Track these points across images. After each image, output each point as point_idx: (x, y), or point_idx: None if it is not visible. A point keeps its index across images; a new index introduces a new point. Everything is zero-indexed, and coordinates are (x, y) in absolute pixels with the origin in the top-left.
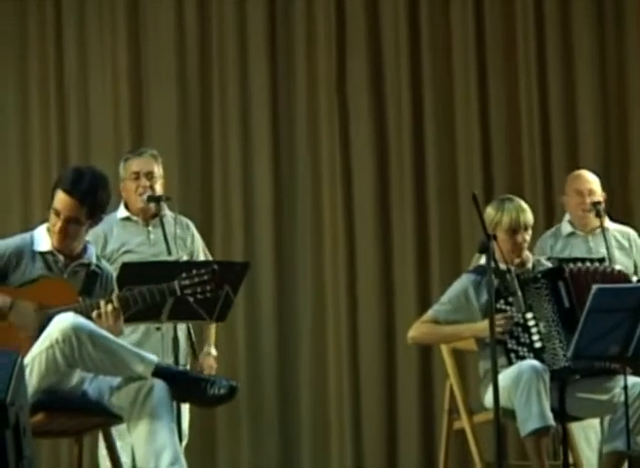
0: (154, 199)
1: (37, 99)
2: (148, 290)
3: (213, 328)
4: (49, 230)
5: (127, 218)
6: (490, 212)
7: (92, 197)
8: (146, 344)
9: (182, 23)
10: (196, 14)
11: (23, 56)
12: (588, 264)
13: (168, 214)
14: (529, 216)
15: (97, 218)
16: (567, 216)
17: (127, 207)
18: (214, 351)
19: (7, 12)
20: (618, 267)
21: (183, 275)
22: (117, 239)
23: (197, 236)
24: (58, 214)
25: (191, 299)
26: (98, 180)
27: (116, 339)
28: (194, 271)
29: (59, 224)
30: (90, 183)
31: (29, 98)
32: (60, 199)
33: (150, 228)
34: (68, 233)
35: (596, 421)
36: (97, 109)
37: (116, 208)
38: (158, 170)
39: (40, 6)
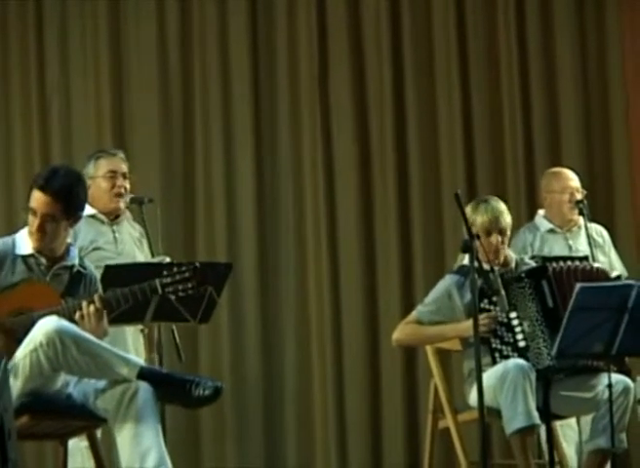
0: (137, 200)
1: (19, 105)
2: (130, 290)
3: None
4: (31, 235)
5: (93, 216)
6: (468, 211)
7: (66, 192)
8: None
9: (164, 25)
10: (178, 16)
11: (5, 62)
12: (570, 263)
13: (128, 216)
14: (504, 219)
15: (75, 216)
16: (541, 212)
17: (91, 205)
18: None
19: None
20: (596, 265)
21: (164, 273)
22: (85, 236)
23: (146, 243)
24: (34, 212)
25: (173, 297)
26: (72, 177)
27: (100, 342)
28: (175, 269)
29: (36, 223)
30: (64, 180)
31: (11, 105)
32: (35, 197)
33: (115, 227)
34: (46, 231)
35: (573, 419)
36: (79, 114)
37: None
38: (127, 171)
39: (21, 12)
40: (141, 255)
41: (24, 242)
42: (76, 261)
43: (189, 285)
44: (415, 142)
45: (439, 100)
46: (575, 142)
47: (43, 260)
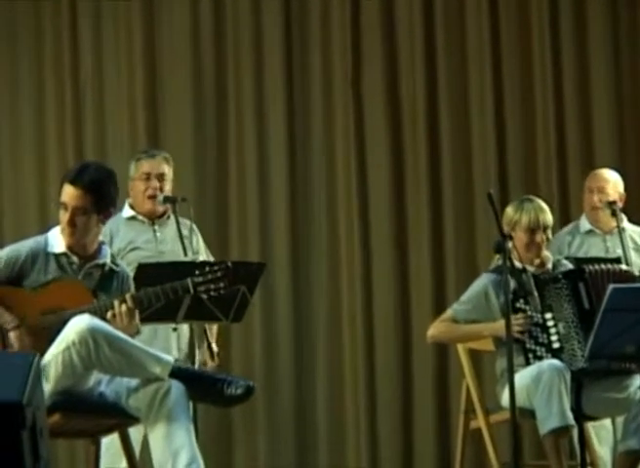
0: (170, 200)
1: (53, 102)
2: (162, 289)
3: (214, 329)
4: (62, 231)
5: (133, 218)
6: (509, 212)
7: (96, 186)
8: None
9: (198, 23)
10: (211, 14)
11: (39, 57)
12: (604, 265)
13: (171, 215)
14: (548, 217)
15: (106, 212)
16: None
17: (132, 207)
18: (214, 347)
19: (22, 14)
20: (624, 267)
21: (197, 272)
22: (124, 237)
23: (200, 238)
24: (65, 207)
25: (205, 297)
26: (102, 172)
27: (133, 341)
28: (207, 268)
29: (67, 217)
30: (94, 174)
31: (45, 100)
32: (66, 191)
33: (156, 227)
34: (77, 225)
35: (608, 421)
36: (112, 110)
37: (121, 208)
38: (169, 172)
39: (55, 7)
40: (190, 252)
41: (57, 240)
42: (108, 260)
43: (221, 284)
44: (447, 142)
45: (472, 101)
46: (608, 142)
47: (75, 259)
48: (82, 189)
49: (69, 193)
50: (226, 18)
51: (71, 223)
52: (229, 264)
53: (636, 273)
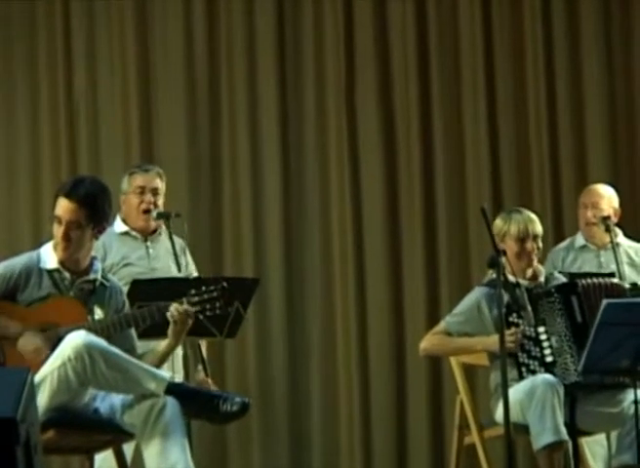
0: (164, 215)
1: (47, 117)
2: (157, 307)
3: (203, 344)
4: (55, 248)
5: (126, 233)
6: (498, 223)
7: (91, 199)
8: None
9: (191, 34)
10: (204, 24)
11: (33, 68)
12: (596, 279)
13: (163, 231)
14: (537, 226)
15: (100, 226)
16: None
17: (125, 222)
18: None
19: (15, 15)
20: (615, 280)
21: (192, 292)
22: (117, 253)
23: (190, 257)
24: (59, 220)
25: (200, 316)
26: (97, 186)
27: (129, 357)
28: (203, 288)
29: (61, 231)
30: (89, 187)
31: (39, 115)
32: (60, 204)
33: (149, 243)
34: (71, 239)
35: (602, 436)
36: (106, 128)
37: (112, 223)
38: (162, 187)
39: (49, 17)
40: (183, 268)
41: (49, 256)
42: (99, 275)
43: (217, 304)
44: (441, 155)
45: (465, 114)
46: (602, 158)
47: (67, 275)
48: (77, 203)
49: (64, 207)
50: (220, 27)
51: (66, 237)
52: (225, 284)
53: (627, 286)
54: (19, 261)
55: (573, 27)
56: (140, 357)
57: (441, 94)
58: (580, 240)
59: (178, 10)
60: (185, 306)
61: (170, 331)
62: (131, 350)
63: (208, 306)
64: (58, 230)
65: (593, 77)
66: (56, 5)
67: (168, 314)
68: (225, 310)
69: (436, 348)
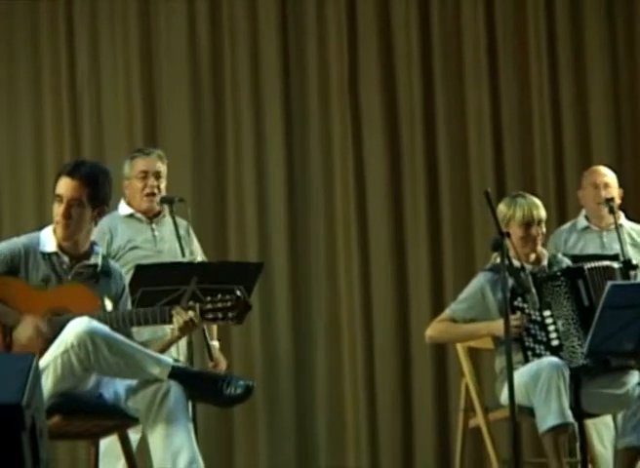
0: (168, 200)
1: (50, 105)
2: (161, 310)
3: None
4: (54, 231)
5: (130, 215)
6: (502, 208)
7: (93, 178)
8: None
9: (194, 26)
10: (207, 18)
11: (36, 61)
12: (602, 262)
13: (167, 214)
14: (542, 211)
15: (100, 208)
16: (583, 211)
17: (129, 205)
18: (216, 343)
19: (19, 13)
20: (616, 264)
21: (208, 299)
22: (122, 235)
23: (196, 240)
24: (60, 199)
25: (211, 322)
26: (98, 168)
27: (132, 343)
28: (219, 296)
29: (62, 208)
30: (91, 168)
31: (42, 103)
32: (62, 183)
33: (154, 226)
34: (71, 217)
35: (609, 418)
36: (109, 113)
37: (115, 207)
38: (164, 169)
39: (52, 10)
40: (187, 252)
41: (49, 239)
42: (99, 261)
43: (230, 314)
44: (444, 143)
45: (468, 102)
46: (605, 141)
47: (66, 259)
48: (79, 180)
49: (65, 184)
50: (223, 21)
51: (66, 215)
52: (239, 294)
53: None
54: (19, 241)
55: (576, 20)
56: (145, 344)
57: (444, 87)
58: (582, 221)
59: (182, 4)
60: (190, 313)
61: (173, 329)
62: (130, 336)
63: (220, 315)
64: (58, 209)
65: (596, 60)
66: (59, 3)
67: (173, 319)
68: (239, 320)
69: (442, 335)
